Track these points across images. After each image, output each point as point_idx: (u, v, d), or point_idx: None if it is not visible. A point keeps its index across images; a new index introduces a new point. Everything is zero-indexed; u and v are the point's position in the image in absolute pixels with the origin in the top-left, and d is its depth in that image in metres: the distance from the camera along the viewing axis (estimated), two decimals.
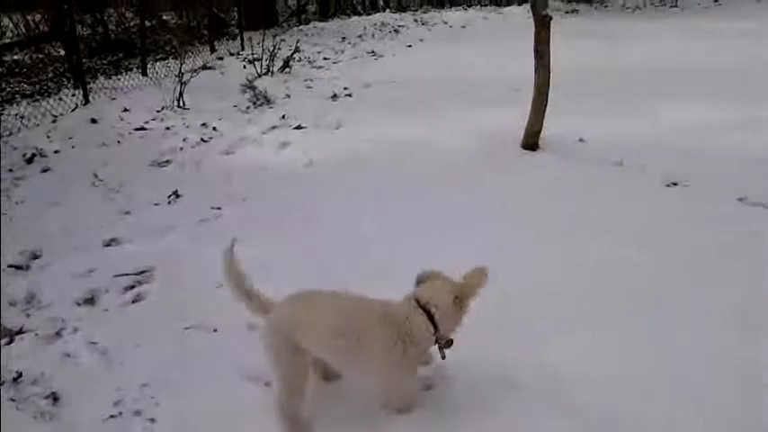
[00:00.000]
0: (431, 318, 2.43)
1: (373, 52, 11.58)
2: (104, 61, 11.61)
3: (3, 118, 7.26)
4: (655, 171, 4.94)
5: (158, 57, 11.76)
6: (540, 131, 5.47)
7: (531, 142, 5.50)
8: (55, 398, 2.93)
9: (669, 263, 3.63)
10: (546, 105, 5.35)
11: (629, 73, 8.41)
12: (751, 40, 10.54)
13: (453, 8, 16.82)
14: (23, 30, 13.14)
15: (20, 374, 3.07)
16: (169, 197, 5.25)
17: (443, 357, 2.60)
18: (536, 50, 5.25)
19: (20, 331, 3.45)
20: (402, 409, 2.58)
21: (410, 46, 12.00)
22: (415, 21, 14.80)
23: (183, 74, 8.25)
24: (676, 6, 16.41)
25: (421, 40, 12.58)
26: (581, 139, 5.72)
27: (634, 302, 3.28)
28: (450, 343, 2.56)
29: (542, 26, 5.15)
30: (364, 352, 2.44)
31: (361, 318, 2.47)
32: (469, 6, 17.42)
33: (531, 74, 5.48)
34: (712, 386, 2.67)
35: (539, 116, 5.39)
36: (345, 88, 8.79)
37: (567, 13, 15.92)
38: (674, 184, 4.69)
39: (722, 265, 3.57)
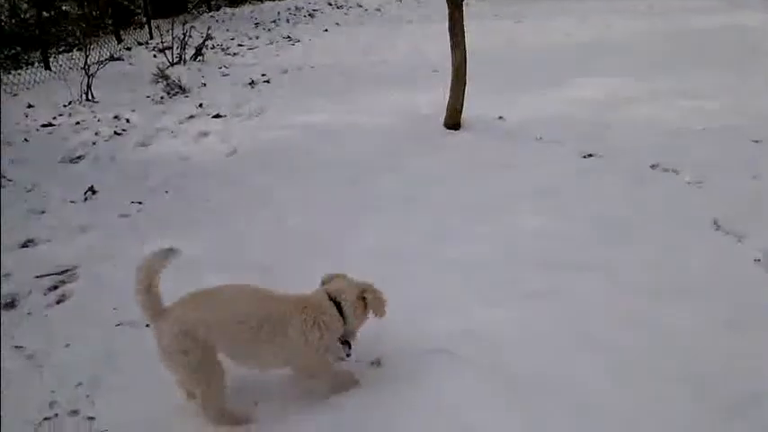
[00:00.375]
0: (340, 309, 2.58)
1: (289, 37, 11.43)
2: (1, 56, 10.88)
3: None
4: (571, 144, 5.17)
5: (61, 49, 11.14)
6: (461, 110, 5.60)
7: (452, 121, 5.62)
8: None
9: (587, 228, 3.82)
10: (465, 85, 5.48)
11: (541, 51, 8.71)
12: (653, 18, 11.13)
13: None
14: None
15: None
16: (85, 194, 5.04)
17: (348, 356, 2.69)
18: (451, 31, 5.35)
19: None
20: (334, 389, 2.68)
21: (326, 30, 11.91)
22: (330, 5, 14.69)
23: (89, 66, 7.88)
24: None
25: (337, 24, 12.51)
26: (501, 117, 5.91)
27: (562, 268, 3.45)
28: (351, 339, 2.69)
29: (455, 7, 5.26)
30: (285, 339, 2.48)
31: (279, 307, 2.53)
32: None
33: (448, 55, 5.59)
34: (626, 351, 2.83)
35: (458, 95, 5.52)
36: (263, 74, 8.65)
37: None
38: (590, 155, 4.93)
39: (637, 227, 3.81)
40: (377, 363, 2.86)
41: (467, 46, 5.51)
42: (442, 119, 5.70)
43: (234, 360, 2.60)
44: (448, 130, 5.62)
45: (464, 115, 5.70)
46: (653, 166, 4.62)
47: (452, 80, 5.50)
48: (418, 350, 2.91)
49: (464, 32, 5.34)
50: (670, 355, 2.79)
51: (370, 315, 2.69)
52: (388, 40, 10.39)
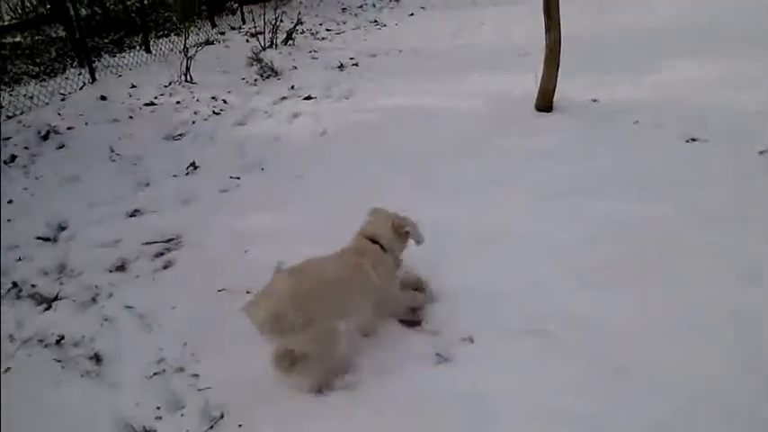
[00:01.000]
0: (381, 246, 2.91)
1: (375, 22, 11.49)
2: (106, 40, 11.54)
3: (13, 98, 7.27)
4: (672, 128, 4.94)
5: (160, 34, 11.68)
6: (553, 92, 5.47)
7: (544, 104, 5.51)
8: (98, 358, 3.02)
9: (692, 217, 3.66)
10: (558, 65, 5.35)
11: (635, 31, 8.32)
12: None
13: None
14: (20, 12, 13.02)
15: (62, 337, 3.16)
16: (187, 169, 5.30)
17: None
18: (545, 9, 5.22)
19: (56, 298, 3.53)
20: (416, 307, 3.06)
21: (412, 14, 11.87)
22: None
23: (187, 49, 8.23)
24: None
25: (422, 8, 12.42)
26: (595, 100, 5.73)
27: (653, 257, 3.33)
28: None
29: None
30: (368, 283, 2.77)
31: (350, 265, 2.79)
32: None
33: (538, 39, 5.46)
34: (728, 342, 2.71)
35: (552, 76, 5.39)
36: (351, 58, 8.75)
37: None
38: (693, 139, 4.71)
39: (745, 217, 3.61)
40: (469, 339, 2.87)
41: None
42: (532, 101, 5.59)
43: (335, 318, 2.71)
44: (539, 113, 5.50)
45: (556, 97, 5.57)
46: (762, 153, 4.35)
47: (545, 61, 5.38)
48: (512, 329, 2.90)
49: (559, 11, 5.20)
50: None
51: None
52: (476, 23, 10.24)
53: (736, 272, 3.15)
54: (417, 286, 3.19)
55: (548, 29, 5.28)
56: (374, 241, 2.92)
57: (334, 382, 2.70)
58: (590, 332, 2.84)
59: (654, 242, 3.44)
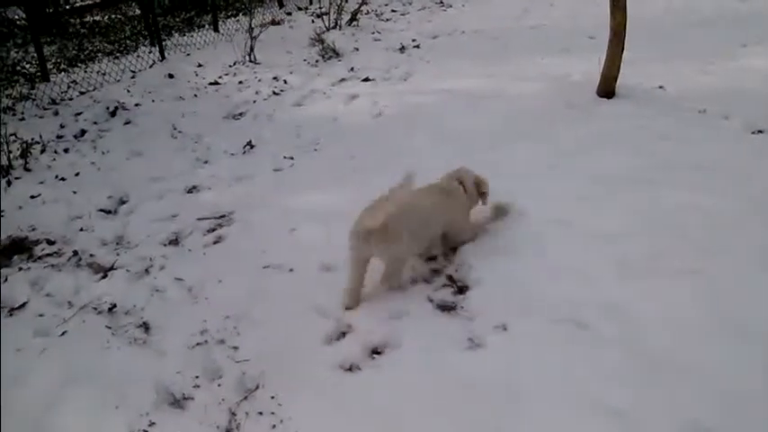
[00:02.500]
0: (464, 188, 3.50)
1: (441, 2, 11.37)
2: (178, 19, 11.89)
3: (87, 74, 7.61)
4: (739, 119, 4.69)
5: (229, 14, 11.94)
6: (616, 77, 5.27)
7: (607, 89, 5.31)
8: (146, 327, 3.16)
9: (749, 211, 3.47)
10: (623, 50, 5.14)
11: (710, 17, 7.92)
12: None
13: None
14: None
15: (114, 305, 3.32)
16: (244, 147, 5.42)
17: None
18: None
19: (111, 268, 3.70)
20: (472, 235, 3.56)
21: None
22: None
23: (252, 29, 8.38)
24: None
25: None
26: (660, 87, 5.49)
27: (713, 250, 3.18)
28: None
29: None
30: (454, 208, 3.44)
31: (434, 191, 3.44)
32: None
33: (608, 21, 5.25)
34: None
35: (615, 61, 5.19)
36: (413, 40, 8.70)
37: None
38: (760, 131, 4.45)
39: None
40: (502, 327, 2.84)
41: (631, 9, 5.15)
42: (595, 86, 5.40)
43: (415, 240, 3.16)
44: (601, 99, 5.31)
45: (620, 83, 5.36)
46: None
47: (610, 45, 5.18)
48: (549, 318, 2.85)
49: None
50: None
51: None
52: (545, 3, 9.97)
53: None
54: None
55: (612, 12, 5.07)
56: (460, 182, 3.50)
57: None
58: (629, 323, 2.76)
59: (707, 234, 3.29)
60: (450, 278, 3.28)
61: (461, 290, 3.17)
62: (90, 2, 13.42)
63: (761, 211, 3.46)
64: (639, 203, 3.63)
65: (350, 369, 2.74)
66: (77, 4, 13.29)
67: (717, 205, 3.57)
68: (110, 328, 3.16)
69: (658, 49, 6.61)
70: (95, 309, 3.33)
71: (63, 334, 3.12)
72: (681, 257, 3.15)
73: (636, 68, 5.65)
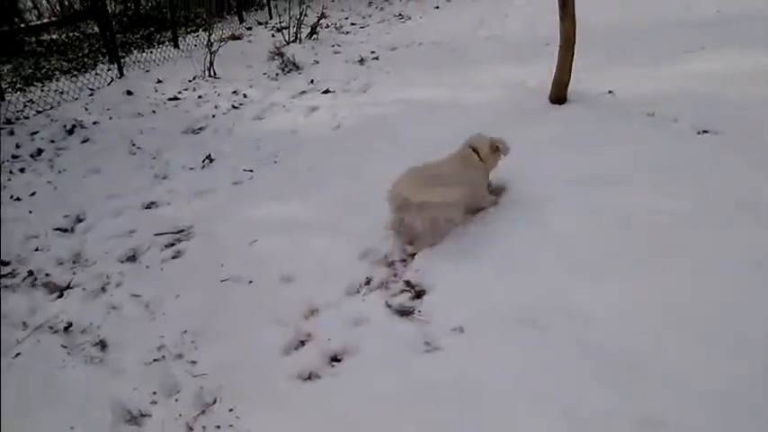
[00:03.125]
0: (479, 156, 3.81)
1: (400, 15, 11.50)
2: (137, 36, 11.81)
3: (44, 93, 7.50)
4: (686, 120, 4.83)
5: (189, 29, 11.91)
6: (567, 84, 5.40)
7: (559, 95, 5.44)
8: (103, 345, 3.13)
9: (697, 208, 3.59)
10: (573, 56, 5.27)
11: (660, 24, 8.16)
12: None
13: None
14: (59, 9, 13.42)
15: (70, 324, 3.29)
16: (203, 162, 5.41)
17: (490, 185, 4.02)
18: (560, 1, 5.15)
19: (68, 287, 3.66)
20: (490, 202, 3.90)
21: (437, 7, 11.86)
22: None
23: (211, 44, 8.37)
24: None
25: (448, 1, 12.40)
26: (610, 92, 5.64)
27: (666, 249, 3.27)
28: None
29: None
30: (470, 175, 3.76)
31: (455, 161, 3.78)
32: None
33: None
34: (728, 335, 2.66)
35: (566, 68, 5.32)
36: (372, 52, 8.78)
37: None
38: (705, 131, 4.61)
39: (751, 209, 3.52)
40: (459, 329, 2.89)
41: (581, 17, 5.29)
42: (548, 93, 5.53)
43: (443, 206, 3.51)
44: (553, 105, 5.44)
45: (572, 89, 5.50)
46: None
47: (560, 52, 5.31)
48: (504, 319, 2.90)
49: (574, 3, 5.13)
50: None
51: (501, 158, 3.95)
52: (500, 14, 10.16)
53: (744, 264, 3.08)
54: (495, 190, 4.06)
55: (562, 19, 5.20)
56: (475, 150, 3.80)
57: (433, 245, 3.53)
58: (584, 323, 2.82)
59: (659, 233, 3.38)
60: (407, 283, 3.33)
61: (419, 294, 3.22)
62: (46, 20, 13.24)
63: (712, 210, 3.56)
64: (591, 205, 3.73)
65: (309, 378, 2.76)
66: (33, 23, 13.09)
67: (669, 205, 3.66)
68: (65, 347, 3.12)
69: (609, 55, 6.79)
70: (51, 328, 3.29)
71: (17, 356, 3.08)
72: (634, 257, 3.23)
73: (587, 75, 5.81)
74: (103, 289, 3.63)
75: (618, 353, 2.64)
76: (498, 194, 4.00)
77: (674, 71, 6.09)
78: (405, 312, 3.08)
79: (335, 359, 2.84)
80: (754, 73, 5.72)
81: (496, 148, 3.88)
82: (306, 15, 10.12)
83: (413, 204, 3.41)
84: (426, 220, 3.52)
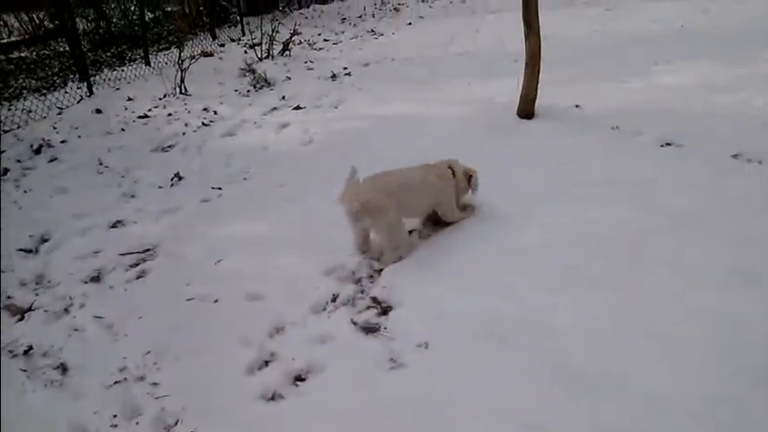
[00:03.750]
0: (453, 173, 3.86)
1: (373, 31, 11.59)
2: (108, 53, 11.72)
3: (11, 112, 7.40)
4: (650, 134, 4.94)
5: (162, 47, 11.85)
6: (534, 99, 5.48)
7: (526, 110, 5.52)
8: (64, 368, 3.07)
9: (659, 220, 3.65)
10: (539, 72, 5.36)
11: (627, 39, 8.35)
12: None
13: None
14: (30, 27, 13.28)
15: (30, 347, 3.22)
16: (171, 180, 5.36)
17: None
18: (524, 18, 5.24)
19: (30, 309, 3.59)
20: (459, 217, 3.93)
21: (410, 24, 11.98)
22: None
23: (182, 61, 8.34)
24: None
25: (421, 17, 12.54)
26: (577, 106, 5.73)
27: (627, 261, 3.31)
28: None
29: None
30: (433, 189, 3.76)
31: (424, 172, 3.79)
32: None
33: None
34: (692, 344, 2.70)
35: (532, 83, 5.40)
36: (345, 68, 8.83)
37: None
38: (668, 144, 4.70)
39: (713, 219, 3.60)
40: (424, 345, 2.88)
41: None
42: (516, 108, 5.60)
43: (405, 214, 3.64)
44: (521, 120, 5.51)
45: (540, 104, 5.58)
46: (735, 156, 4.33)
47: (526, 68, 5.40)
48: (469, 334, 2.91)
49: (539, 20, 5.22)
50: (737, 349, 2.63)
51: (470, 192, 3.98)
52: (471, 30, 10.30)
53: (703, 275, 3.13)
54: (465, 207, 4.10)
55: (527, 37, 5.29)
56: (450, 168, 3.86)
57: (400, 258, 3.56)
58: (546, 336, 2.84)
59: (621, 246, 3.43)
60: (374, 299, 3.32)
61: (385, 311, 3.21)
62: (16, 38, 13.10)
63: (673, 222, 3.62)
64: (556, 218, 3.77)
65: (272, 398, 2.72)
66: (3, 41, 12.94)
67: (631, 218, 3.72)
68: (25, 371, 3.05)
69: (577, 70, 6.92)
70: (11, 352, 3.22)
71: None
72: (596, 270, 3.27)
73: (555, 89, 5.91)
74: (66, 310, 3.56)
75: (582, 367, 2.65)
76: (465, 211, 4.03)
77: (639, 84, 6.22)
78: (370, 329, 3.07)
79: (300, 378, 2.82)
80: (716, 85, 5.87)
81: (470, 177, 3.93)
82: (278, 32, 10.14)
83: (369, 208, 3.41)
84: (382, 225, 3.51)
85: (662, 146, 4.66)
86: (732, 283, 3.03)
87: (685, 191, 3.93)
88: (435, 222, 3.94)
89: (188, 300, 3.50)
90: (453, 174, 3.85)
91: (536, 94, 5.47)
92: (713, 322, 2.80)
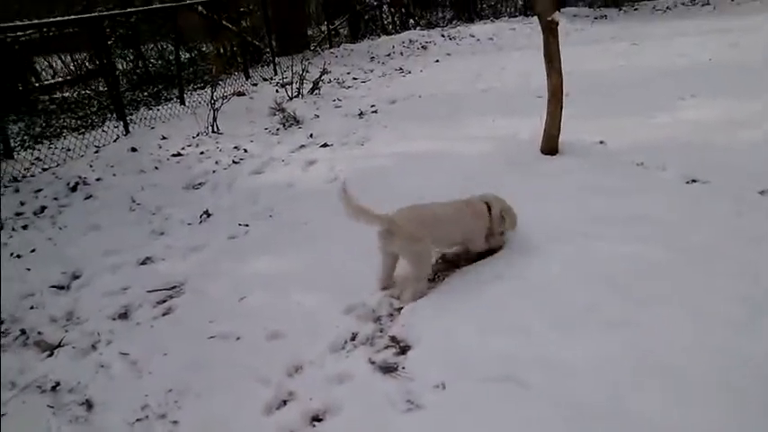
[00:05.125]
0: (489, 210, 3.93)
1: (401, 69, 11.76)
2: (145, 93, 12.13)
3: (50, 150, 7.69)
4: (675, 170, 4.90)
5: (197, 86, 12.22)
6: (557, 135, 5.50)
7: (550, 146, 5.53)
8: (89, 404, 3.14)
9: (683, 258, 3.60)
10: (561, 109, 5.38)
11: (653, 73, 8.33)
12: None
13: (481, 21, 16.86)
14: (72, 69, 13.85)
15: (57, 384, 3.30)
16: (201, 217, 5.49)
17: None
18: (546, 56, 5.30)
19: (59, 345, 3.69)
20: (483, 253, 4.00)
21: (437, 61, 12.13)
22: (443, 36, 14.92)
23: (215, 101, 8.59)
24: (708, 4, 16.08)
25: (448, 55, 12.69)
26: (601, 142, 5.72)
27: (645, 300, 3.27)
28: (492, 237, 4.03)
29: (549, 32, 5.20)
30: (466, 224, 3.87)
31: (460, 207, 3.92)
32: (497, 19, 17.50)
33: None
34: (713, 383, 2.66)
35: (555, 120, 5.43)
36: (372, 105, 8.97)
37: (596, 18, 15.81)
38: (694, 181, 4.66)
39: (735, 258, 3.54)
40: (441, 386, 2.88)
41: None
42: (539, 145, 5.62)
43: (436, 244, 3.81)
44: (544, 156, 5.52)
45: (564, 140, 5.59)
46: (762, 193, 4.27)
47: (548, 105, 5.43)
48: (486, 375, 2.90)
49: (560, 57, 5.26)
50: (754, 389, 2.58)
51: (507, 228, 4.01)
52: (497, 67, 10.39)
53: (726, 314, 3.08)
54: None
55: (549, 74, 5.34)
56: (487, 204, 3.93)
57: (423, 293, 3.62)
58: (563, 378, 2.81)
59: (640, 285, 3.40)
60: (393, 338, 3.34)
61: (404, 350, 3.22)
62: (60, 79, 13.66)
63: (692, 261, 3.59)
64: (575, 255, 3.76)
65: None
66: (47, 82, 13.50)
67: (650, 256, 3.69)
68: (51, 407, 3.13)
69: (602, 105, 6.92)
70: (39, 388, 3.31)
71: (2, 416, 3.09)
72: (614, 309, 3.24)
73: (579, 124, 5.91)
74: (94, 347, 3.65)
75: (599, 407, 2.62)
76: (497, 240, 4.07)
77: (664, 119, 6.19)
78: (388, 369, 3.08)
79: (317, 419, 2.83)
80: (742, 120, 5.81)
81: (505, 214, 3.96)
82: (308, 71, 10.37)
83: (403, 233, 3.55)
84: (413, 252, 3.61)
85: (687, 182, 4.62)
86: (749, 324, 2.97)
87: (708, 229, 3.88)
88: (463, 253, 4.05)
89: (210, 337, 3.56)
90: (489, 210, 3.91)
91: (559, 131, 5.48)
92: (729, 363, 2.74)
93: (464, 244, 3.96)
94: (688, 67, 8.54)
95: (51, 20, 10.19)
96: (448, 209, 3.84)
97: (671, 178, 4.76)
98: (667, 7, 16.89)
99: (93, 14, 9.64)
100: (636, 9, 17.18)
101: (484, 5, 20.23)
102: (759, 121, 5.72)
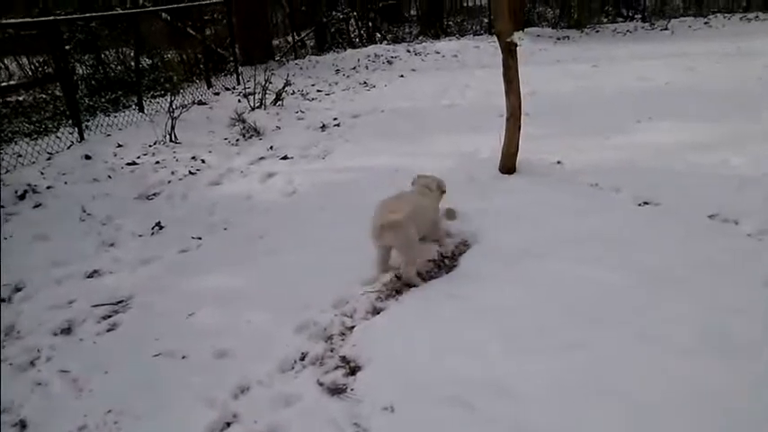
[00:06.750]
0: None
1: (365, 83, 11.76)
2: (104, 99, 11.85)
3: (0, 157, 7.43)
4: (628, 191, 4.99)
5: (157, 93, 11.99)
6: (515, 154, 5.55)
7: (507, 165, 5.58)
8: (23, 425, 3.01)
9: (640, 280, 3.65)
10: (519, 129, 5.44)
11: (612, 95, 8.52)
12: (739, 60, 10.66)
13: (447, 38, 17.01)
14: (29, 72, 13.47)
15: None
16: (152, 228, 5.36)
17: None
18: (504, 76, 5.36)
19: None
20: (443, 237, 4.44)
21: (402, 76, 12.17)
22: (408, 51, 14.99)
23: (173, 109, 8.44)
24: (666, 30, 16.56)
25: (413, 70, 12.75)
26: (559, 162, 5.79)
27: (598, 322, 3.30)
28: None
29: (509, 53, 5.27)
30: (434, 207, 4.38)
31: (426, 195, 4.33)
32: (462, 36, 17.67)
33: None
34: (665, 409, 2.68)
35: (513, 140, 5.48)
36: (335, 119, 8.94)
37: (558, 39, 16.10)
38: (646, 203, 4.74)
39: (683, 281, 3.60)
40: (390, 408, 2.83)
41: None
42: (498, 163, 5.66)
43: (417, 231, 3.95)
44: (502, 175, 5.57)
45: (522, 159, 5.64)
46: (711, 216, 4.37)
47: (507, 125, 5.48)
48: (434, 398, 2.87)
49: (518, 78, 5.33)
50: (705, 416, 2.60)
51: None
52: (461, 84, 10.47)
53: (677, 337, 3.12)
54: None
55: (507, 95, 5.40)
56: (426, 187, 4.34)
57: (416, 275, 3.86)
58: (514, 400, 2.80)
59: (592, 306, 3.43)
60: (343, 358, 3.28)
61: (353, 371, 3.17)
62: (15, 82, 13.27)
63: (645, 282, 3.64)
64: (528, 277, 3.77)
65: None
66: (2, 84, 13.11)
67: (604, 277, 3.73)
68: None
69: (561, 125, 7.02)
70: None
71: None
72: (566, 330, 3.26)
73: (538, 144, 5.97)
74: (32, 363, 3.50)
75: (548, 430, 2.62)
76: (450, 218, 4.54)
77: (621, 141, 6.31)
78: (337, 391, 3.03)
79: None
80: (696, 144, 5.96)
81: (441, 186, 4.48)
82: (271, 82, 10.28)
83: (393, 226, 3.77)
84: (403, 242, 3.85)
85: (639, 204, 4.71)
86: (699, 348, 3.01)
87: (659, 251, 3.94)
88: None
89: (155, 355, 3.45)
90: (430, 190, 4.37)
91: (516, 150, 5.53)
92: (681, 388, 2.77)
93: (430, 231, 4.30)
94: (646, 90, 8.74)
95: (6, 21, 9.90)
96: (418, 199, 4.20)
97: (624, 199, 4.84)
98: (627, 30, 17.31)
99: (50, 18, 9.41)
100: (597, 31, 17.55)
101: (450, 23, 20.45)
102: (712, 145, 5.88)
